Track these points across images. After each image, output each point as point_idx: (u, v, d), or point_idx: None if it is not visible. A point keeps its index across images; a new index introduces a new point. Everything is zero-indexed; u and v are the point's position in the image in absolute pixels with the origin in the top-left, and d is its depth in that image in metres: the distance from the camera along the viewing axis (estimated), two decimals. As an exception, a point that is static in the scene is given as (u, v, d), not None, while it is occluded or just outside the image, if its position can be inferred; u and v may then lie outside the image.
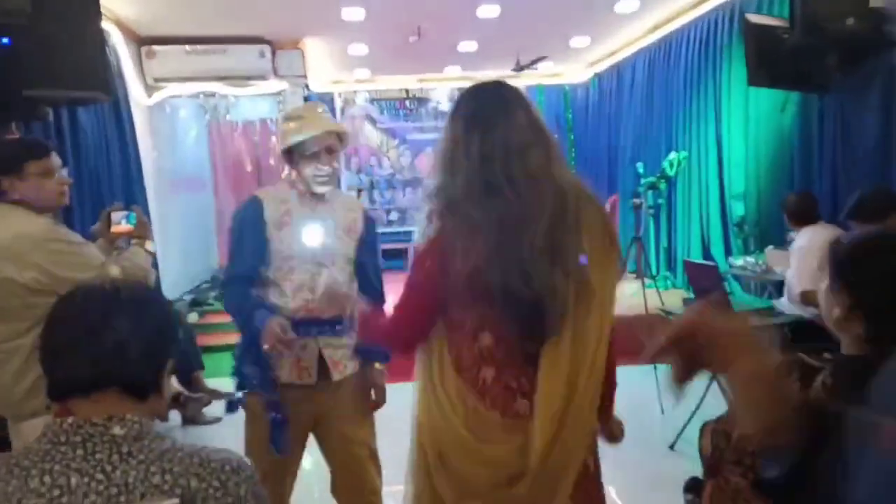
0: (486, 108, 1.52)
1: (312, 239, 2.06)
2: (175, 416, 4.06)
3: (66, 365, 0.98)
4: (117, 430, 0.95)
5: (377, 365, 2.19)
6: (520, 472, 1.37)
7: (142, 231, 2.27)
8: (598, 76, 8.52)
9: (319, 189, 2.10)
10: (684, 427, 3.59)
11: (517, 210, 1.39)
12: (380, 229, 7.98)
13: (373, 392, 2.20)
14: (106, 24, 5.07)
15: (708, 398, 3.63)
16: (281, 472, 2.08)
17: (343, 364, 2.10)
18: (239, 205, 2.23)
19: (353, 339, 2.12)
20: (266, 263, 2.05)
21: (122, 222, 2.33)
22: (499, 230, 1.38)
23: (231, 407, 2.15)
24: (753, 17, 3.78)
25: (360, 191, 9.01)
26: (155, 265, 5.32)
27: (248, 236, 2.06)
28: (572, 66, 8.63)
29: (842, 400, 1.11)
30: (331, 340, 2.08)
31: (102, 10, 4.95)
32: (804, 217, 3.39)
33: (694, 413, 3.60)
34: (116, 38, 5.26)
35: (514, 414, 1.41)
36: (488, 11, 5.65)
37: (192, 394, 3.37)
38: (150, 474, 0.94)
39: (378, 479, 2.20)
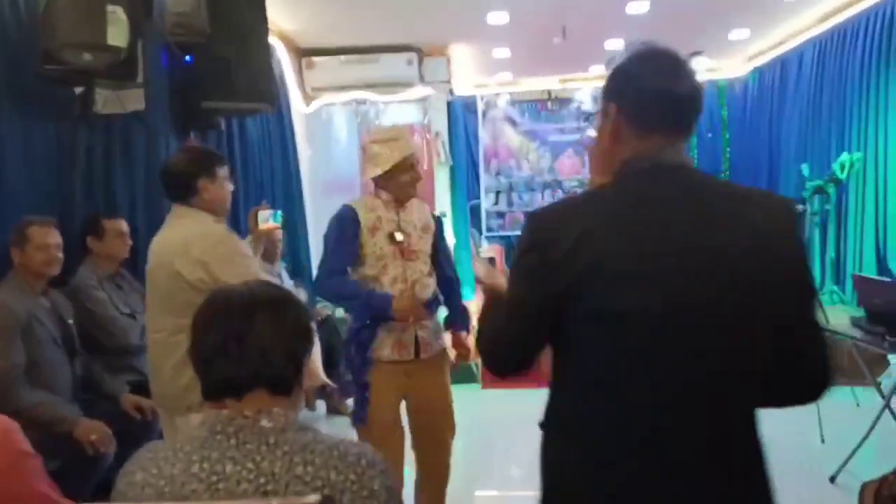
0: None
1: (400, 238, 2.42)
2: (321, 405, 4.32)
3: (217, 370, 1.06)
4: (265, 423, 1.03)
5: (464, 333, 2.66)
6: None
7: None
8: (759, 70, 7.91)
9: (409, 197, 2.48)
10: (849, 458, 3.24)
11: None
12: (515, 231, 7.90)
13: (459, 351, 2.66)
14: (271, 39, 5.50)
15: (878, 428, 3.26)
16: (392, 428, 2.46)
17: (430, 344, 2.48)
18: (338, 211, 2.52)
19: (434, 321, 2.55)
20: (360, 263, 2.42)
21: (269, 220, 2.49)
22: None
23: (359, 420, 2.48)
24: (950, -1, 3.33)
25: (498, 193, 9.06)
26: (303, 266, 5.68)
27: (345, 239, 2.41)
28: (729, 59, 8.08)
29: None
30: (423, 323, 2.45)
31: (269, 25, 5.41)
32: None
33: (861, 443, 3.24)
34: (280, 51, 5.69)
35: None
36: (637, 7, 5.45)
37: (335, 385, 3.57)
38: (294, 465, 1.00)
39: (451, 437, 2.59)
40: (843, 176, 5.37)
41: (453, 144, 7.07)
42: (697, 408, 1.07)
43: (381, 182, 2.45)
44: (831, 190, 5.59)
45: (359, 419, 2.43)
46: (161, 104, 3.41)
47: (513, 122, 9.01)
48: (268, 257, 4.14)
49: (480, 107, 8.98)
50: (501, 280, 1.39)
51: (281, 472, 1.00)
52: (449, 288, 2.64)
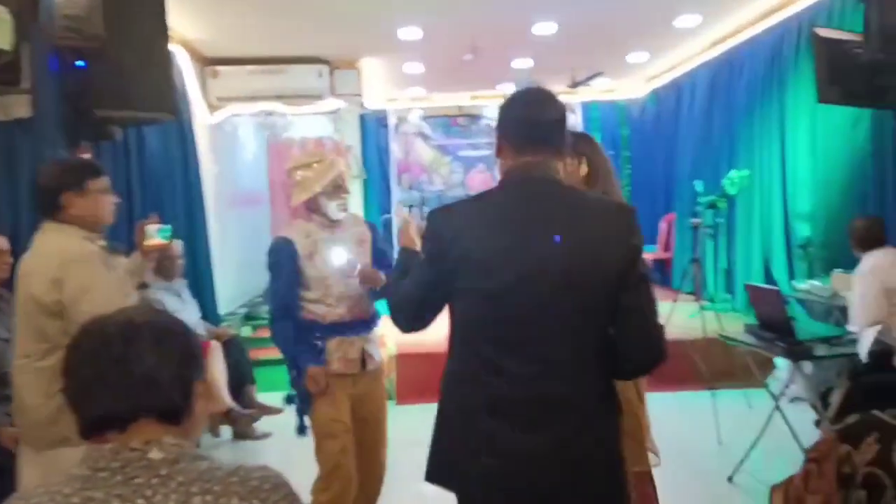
0: None
1: (339, 258, 2.52)
2: (226, 430, 4.12)
3: (97, 404, 0.97)
4: (155, 454, 0.95)
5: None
6: None
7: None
8: (656, 92, 8.36)
9: (340, 216, 2.58)
10: (744, 458, 3.43)
11: None
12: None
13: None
14: (172, 46, 5.25)
15: (770, 428, 3.47)
16: (338, 420, 2.52)
17: (373, 356, 2.61)
18: (273, 243, 2.61)
19: (376, 333, 2.68)
20: (306, 288, 2.52)
21: (155, 236, 2.30)
22: None
23: (301, 430, 2.57)
24: (823, 32, 3.63)
25: (411, 207, 9.06)
26: (206, 283, 5.42)
27: (285, 271, 2.51)
28: (629, 81, 8.51)
29: None
30: (368, 337, 2.59)
31: (169, 32, 5.17)
32: (871, 242, 3.23)
33: (755, 444, 3.43)
34: (182, 59, 5.45)
35: None
36: (544, 28, 5.63)
37: (242, 409, 3.40)
38: (191, 496, 0.93)
39: (385, 453, 2.69)
40: (732, 192, 5.73)
41: (366, 158, 7.02)
42: (530, 362, 1.44)
43: (312, 205, 2.55)
44: (722, 205, 5.95)
45: (302, 433, 2.57)
46: (50, 112, 3.16)
47: (424, 137, 9.06)
48: (166, 274, 3.94)
49: (392, 121, 8.97)
50: (415, 238, 1.76)
51: None
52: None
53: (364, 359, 2.55)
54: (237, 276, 6.61)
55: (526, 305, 1.43)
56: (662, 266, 7.72)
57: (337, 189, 2.55)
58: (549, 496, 1.45)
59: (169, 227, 2.35)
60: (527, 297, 1.43)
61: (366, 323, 2.59)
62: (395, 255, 2.64)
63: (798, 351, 2.95)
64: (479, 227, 1.49)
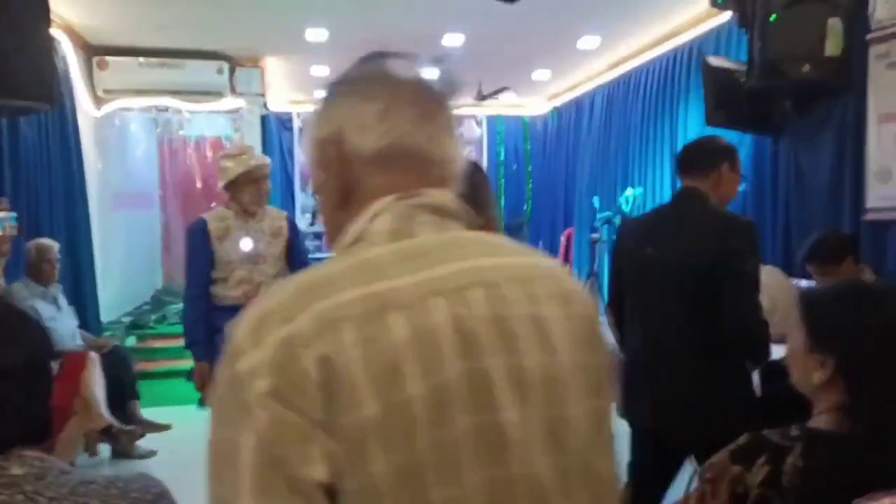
0: None
1: (246, 246, 2.77)
2: (105, 448, 3.80)
3: None
4: (16, 471, 0.88)
5: None
6: None
7: None
8: (558, 109, 8.64)
9: (254, 209, 2.82)
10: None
11: None
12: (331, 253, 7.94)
13: None
14: (56, 32, 4.84)
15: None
16: None
17: None
18: (188, 225, 2.94)
19: None
20: (214, 267, 2.77)
21: None
22: None
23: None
24: (713, 60, 3.86)
25: (315, 213, 8.84)
26: (87, 288, 5.01)
27: (199, 250, 2.77)
28: (533, 98, 8.73)
29: (820, 485, 1.05)
30: None
31: (53, 16, 4.76)
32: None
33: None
34: (66, 47, 5.05)
35: None
36: (452, 40, 5.67)
37: (122, 426, 3.14)
38: None
39: None
40: (627, 209, 5.99)
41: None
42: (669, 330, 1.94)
43: (231, 193, 2.81)
44: (618, 221, 6.20)
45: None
46: None
47: (329, 143, 8.88)
48: (40, 278, 3.60)
49: (297, 124, 8.74)
50: None
51: None
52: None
53: None
54: (122, 283, 6.17)
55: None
56: (561, 278, 7.94)
57: (254, 181, 2.79)
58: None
59: (14, 214, 2.09)
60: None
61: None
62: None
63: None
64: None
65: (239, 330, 0.63)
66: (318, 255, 8.76)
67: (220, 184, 2.83)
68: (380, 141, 0.73)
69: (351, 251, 0.70)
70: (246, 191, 2.79)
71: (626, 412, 1.93)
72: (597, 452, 0.72)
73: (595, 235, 5.56)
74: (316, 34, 5.41)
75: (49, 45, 3.09)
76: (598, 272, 5.07)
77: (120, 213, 6.23)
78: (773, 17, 3.32)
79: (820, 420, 1.14)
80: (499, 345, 0.65)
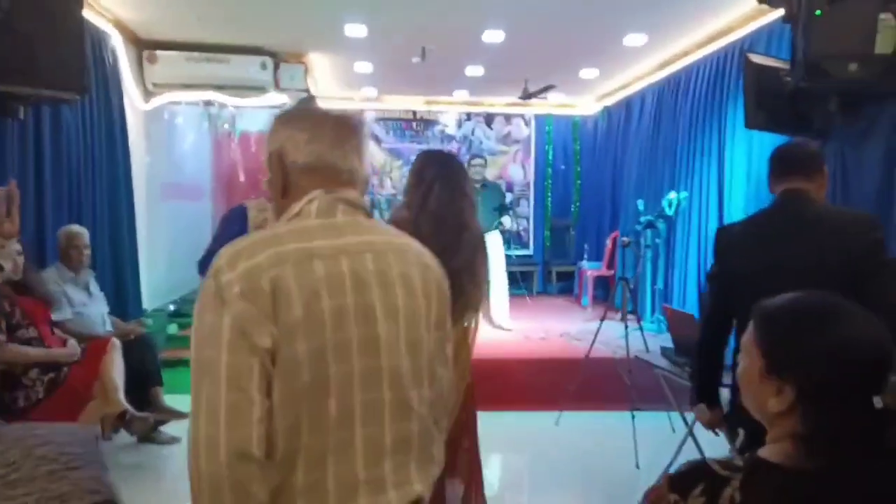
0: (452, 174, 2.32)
1: None
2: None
3: None
4: None
5: None
6: None
7: None
8: (608, 109, 8.42)
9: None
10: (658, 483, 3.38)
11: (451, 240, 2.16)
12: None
13: None
14: (106, 26, 5.05)
15: (686, 453, 3.44)
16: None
17: None
18: (231, 209, 3.02)
19: None
20: None
21: None
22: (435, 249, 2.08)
23: None
24: (755, 58, 3.65)
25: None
26: (129, 276, 5.18)
27: (234, 231, 2.71)
28: (583, 97, 8.54)
29: None
30: None
31: (103, 11, 4.96)
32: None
33: (667, 469, 3.39)
34: (116, 41, 5.23)
35: None
36: (493, 36, 5.58)
37: (136, 412, 3.21)
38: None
39: None
40: (670, 212, 5.76)
41: (310, 156, 6.86)
42: None
43: None
44: (661, 225, 5.98)
45: None
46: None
47: (377, 140, 8.95)
48: (70, 264, 3.73)
49: (345, 120, 8.83)
50: None
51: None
52: None
53: None
54: (168, 272, 6.35)
55: None
56: (606, 283, 7.74)
57: None
58: None
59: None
60: None
61: None
62: None
63: (706, 376, 2.91)
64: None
65: (221, 260, 1.05)
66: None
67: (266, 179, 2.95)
68: (307, 158, 1.17)
69: (293, 221, 1.15)
70: None
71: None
72: (440, 362, 1.22)
73: (626, 239, 5.36)
74: (355, 30, 5.42)
75: (80, 36, 3.18)
76: (627, 277, 4.87)
77: (167, 205, 6.42)
78: (817, 12, 3.10)
79: (769, 450, 1.03)
80: (379, 289, 1.11)
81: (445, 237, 2.11)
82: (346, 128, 1.20)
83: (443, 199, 2.20)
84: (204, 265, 2.89)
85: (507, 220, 6.13)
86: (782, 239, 1.97)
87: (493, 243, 6.07)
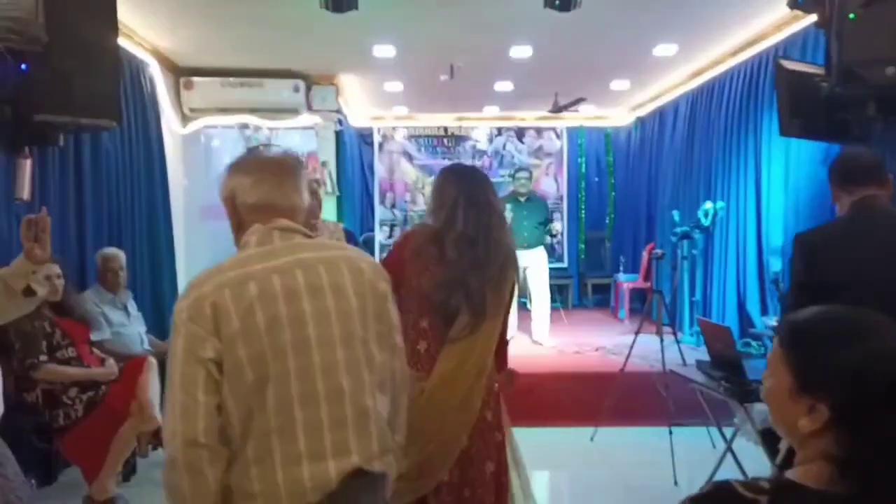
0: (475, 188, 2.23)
1: None
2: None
3: None
4: None
5: None
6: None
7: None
8: (641, 120, 8.32)
9: (310, 222, 2.81)
10: (697, 500, 3.28)
11: (481, 257, 2.14)
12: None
13: None
14: (144, 55, 5.23)
15: (726, 469, 3.34)
16: None
17: None
18: None
19: None
20: None
21: None
22: (462, 267, 2.12)
23: None
24: (788, 64, 3.56)
25: (393, 226, 8.98)
26: (169, 297, 5.28)
27: None
28: (614, 109, 8.47)
29: None
30: None
31: (141, 41, 5.13)
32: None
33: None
34: (154, 69, 5.40)
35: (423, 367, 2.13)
36: (520, 52, 5.58)
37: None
38: None
39: None
40: (706, 223, 5.65)
41: (343, 175, 6.94)
42: None
43: None
44: (697, 236, 5.86)
45: None
46: (-11, 116, 3.09)
47: (409, 157, 9.02)
48: (107, 285, 3.83)
49: (377, 139, 8.94)
50: None
51: None
52: None
53: None
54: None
55: None
56: (643, 296, 7.60)
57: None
58: None
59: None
60: None
61: None
62: None
63: (743, 392, 2.83)
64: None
65: (184, 292, 1.33)
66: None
67: None
68: (254, 199, 1.42)
69: (239, 252, 1.40)
70: None
71: None
72: (381, 349, 1.42)
73: (658, 251, 5.26)
74: (383, 51, 5.50)
75: (115, 66, 3.29)
76: (661, 290, 4.77)
77: (206, 226, 6.55)
78: (851, 16, 3.01)
79: (798, 472, 0.98)
80: (309, 297, 1.34)
81: (475, 254, 2.11)
82: (286, 169, 1.45)
83: (469, 218, 2.14)
84: None
85: (557, 226, 6.01)
86: (869, 245, 2.03)
87: (538, 258, 6.02)
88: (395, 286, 1.79)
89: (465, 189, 2.18)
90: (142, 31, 5.07)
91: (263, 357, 1.28)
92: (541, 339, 6.07)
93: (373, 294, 1.42)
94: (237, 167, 1.45)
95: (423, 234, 2.19)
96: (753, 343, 5.07)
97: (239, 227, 1.43)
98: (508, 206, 5.82)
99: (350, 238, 3.20)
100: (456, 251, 2.10)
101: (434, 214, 2.20)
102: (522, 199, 6.05)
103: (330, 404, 1.31)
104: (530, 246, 5.93)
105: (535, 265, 6.00)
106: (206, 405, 1.25)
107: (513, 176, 6.25)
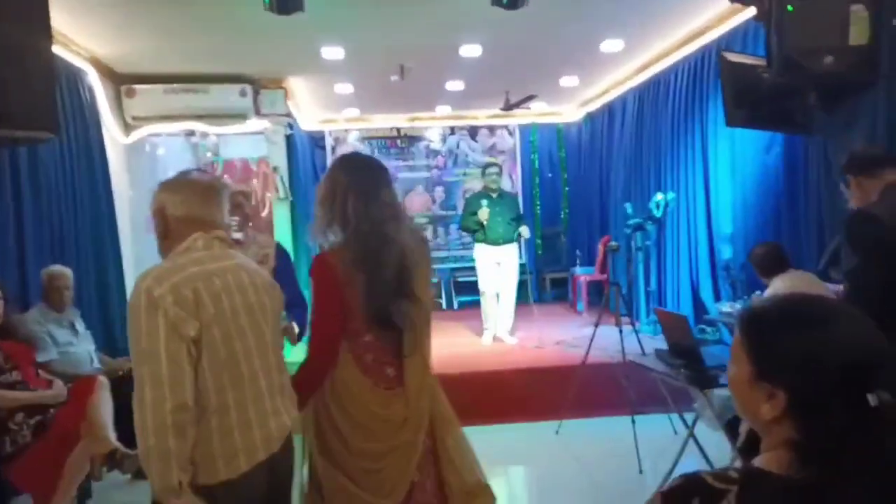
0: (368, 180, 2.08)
1: None
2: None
3: None
4: None
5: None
6: (403, 419, 2.03)
7: None
8: (591, 115, 8.44)
9: (235, 236, 2.80)
10: (661, 487, 3.33)
11: (385, 263, 1.99)
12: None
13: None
14: (82, 64, 5.03)
15: (689, 455, 3.41)
16: None
17: None
18: None
19: None
20: None
21: None
22: (373, 277, 1.98)
23: None
24: (731, 56, 3.65)
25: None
26: (117, 313, 5.10)
27: None
28: (565, 105, 8.57)
29: None
30: None
31: (79, 49, 4.94)
32: (773, 268, 3.22)
33: (670, 472, 3.35)
34: (93, 78, 5.21)
35: (386, 379, 2.05)
36: (470, 51, 5.58)
37: (127, 450, 3.14)
38: None
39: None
40: (658, 214, 5.75)
41: (296, 180, 6.83)
42: None
43: None
44: (650, 227, 5.97)
45: None
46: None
47: (362, 159, 8.92)
48: (54, 304, 3.67)
49: (329, 142, 8.83)
50: None
51: None
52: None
53: None
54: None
55: None
56: (600, 288, 7.71)
57: (230, 209, 2.64)
58: None
59: None
60: None
61: None
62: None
63: (703, 378, 2.88)
64: None
65: (146, 282, 1.52)
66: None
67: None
68: (181, 212, 1.69)
69: (184, 254, 1.64)
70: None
71: None
72: (277, 337, 1.82)
73: (613, 244, 5.32)
74: (332, 52, 5.42)
75: (50, 75, 3.14)
76: (618, 282, 4.83)
77: (153, 237, 6.37)
78: (789, 8, 3.10)
79: (764, 459, 0.99)
80: (239, 293, 1.66)
81: (368, 257, 1.95)
82: (212, 190, 1.74)
83: (359, 211, 1.97)
84: None
85: (524, 231, 5.90)
86: None
87: (511, 254, 6.01)
88: (341, 308, 1.96)
89: (354, 182, 2.02)
90: (78, 39, 4.88)
91: (231, 337, 1.61)
92: (503, 336, 6.08)
93: (271, 295, 1.78)
94: (167, 185, 1.74)
95: (341, 259, 1.97)
96: (709, 329, 5.19)
97: (166, 236, 1.70)
98: (483, 203, 5.80)
99: (283, 253, 3.07)
100: (353, 250, 1.96)
101: (325, 204, 2.03)
102: (494, 195, 5.93)
103: (264, 378, 1.69)
104: (505, 242, 5.92)
105: (507, 261, 6.00)
106: (190, 375, 1.51)
107: (483, 171, 6.10)
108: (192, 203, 1.67)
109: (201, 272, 1.58)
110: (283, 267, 2.97)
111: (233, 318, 1.61)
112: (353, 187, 2.00)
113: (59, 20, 4.31)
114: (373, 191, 2.01)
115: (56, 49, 3.91)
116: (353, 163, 2.13)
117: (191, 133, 6.09)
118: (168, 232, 1.69)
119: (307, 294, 2.57)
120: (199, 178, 1.75)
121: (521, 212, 6.32)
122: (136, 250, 5.82)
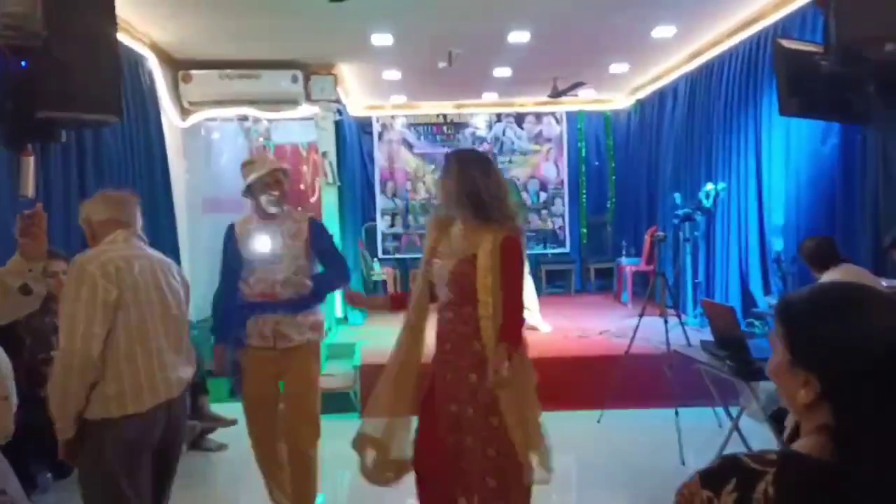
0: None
1: (262, 246, 2.94)
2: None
3: None
4: None
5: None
6: None
7: None
8: (641, 102, 8.30)
9: (271, 209, 2.97)
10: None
11: None
12: (411, 254, 8.02)
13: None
14: (143, 49, 5.21)
15: (733, 447, 3.37)
16: (259, 402, 2.99)
17: (288, 336, 2.92)
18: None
19: (304, 316, 2.96)
20: (240, 267, 2.98)
21: None
22: None
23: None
24: (787, 43, 3.55)
25: (394, 215, 8.99)
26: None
27: (227, 254, 3.04)
28: (614, 92, 8.45)
29: None
30: (283, 318, 2.91)
31: (139, 35, 5.12)
32: (825, 261, 3.14)
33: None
34: (153, 63, 5.39)
35: None
36: (518, 37, 5.56)
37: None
38: None
39: (307, 428, 2.98)
40: (708, 204, 5.65)
41: (344, 165, 6.94)
42: None
43: (252, 199, 3.01)
44: (699, 217, 5.87)
45: (237, 391, 3.13)
46: (-10, 113, 3.10)
47: (409, 145, 9.01)
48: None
49: (376, 128, 8.93)
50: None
51: None
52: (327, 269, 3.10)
53: (276, 337, 2.90)
54: (211, 283, 6.45)
55: None
56: (646, 279, 7.62)
57: (266, 186, 2.93)
58: None
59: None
60: None
61: (276, 305, 2.90)
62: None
63: (747, 371, 2.85)
64: None
65: (82, 259, 2.08)
66: (395, 255, 8.97)
67: (242, 189, 3.03)
68: (102, 217, 2.24)
69: (110, 244, 2.17)
70: (261, 196, 2.95)
71: None
72: (181, 310, 2.30)
73: (660, 234, 5.23)
74: (381, 39, 5.48)
75: (117, 60, 3.26)
76: (664, 272, 4.77)
77: (209, 218, 6.56)
78: (850, -7, 3.00)
79: (803, 443, 1.01)
80: (150, 274, 2.19)
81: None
82: (125, 199, 2.28)
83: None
84: (217, 299, 3.12)
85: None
86: None
87: None
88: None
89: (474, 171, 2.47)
90: (139, 25, 5.06)
91: (141, 305, 2.09)
92: (537, 324, 6.06)
93: (173, 277, 2.27)
94: (89, 201, 2.31)
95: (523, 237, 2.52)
96: (757, 323, 5.10)
97: (93, 237, 2.21)
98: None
99: (316, 226, 3.15)
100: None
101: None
102: None
103: (165, 338, 2.16)
104: None
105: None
106: (100, 336, 1.99)
107: None
108: (111, 209, 2.21)
109: (122, 256, 2.09)
110: (316, 237, 3.07)
111: (144, 291, 2.10)
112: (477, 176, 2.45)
113: (121, 5, 4.47)
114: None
115: (119, 35, 4.07)
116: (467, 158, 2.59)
117: (244, 118, 6.25)
118: (94, 234, 2.19)
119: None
120: (113, 193, 2.31)
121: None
122: (191, 231, 6.03)
